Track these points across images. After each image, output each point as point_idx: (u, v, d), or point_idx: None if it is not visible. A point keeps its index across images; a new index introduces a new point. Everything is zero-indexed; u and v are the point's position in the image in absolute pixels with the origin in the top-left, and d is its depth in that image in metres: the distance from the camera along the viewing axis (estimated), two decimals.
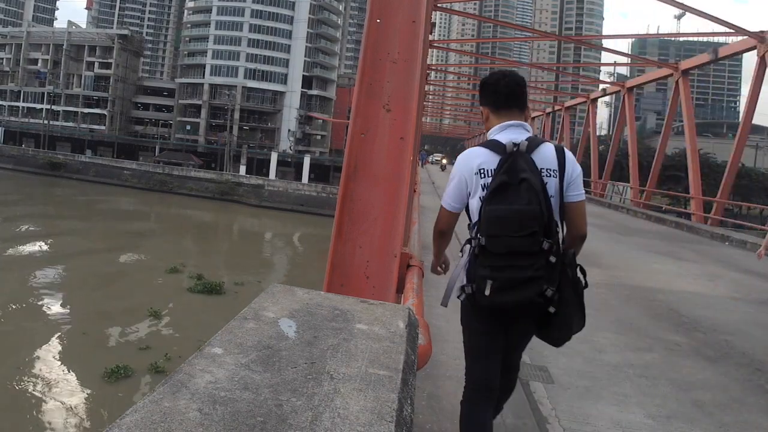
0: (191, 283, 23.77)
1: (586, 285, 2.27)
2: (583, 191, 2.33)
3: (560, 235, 2.26)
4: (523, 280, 2.09)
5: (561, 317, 2.18)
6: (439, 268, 2.68)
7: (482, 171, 2.23)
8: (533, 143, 2.23)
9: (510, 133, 2.29)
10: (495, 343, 2.33)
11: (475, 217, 2.27)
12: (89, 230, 35.58)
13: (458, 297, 2.33)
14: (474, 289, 2.20)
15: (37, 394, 14.01)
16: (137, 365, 15.30)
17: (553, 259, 2.11)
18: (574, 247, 2.31)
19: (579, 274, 2.25)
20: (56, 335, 17.58)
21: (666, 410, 3.44)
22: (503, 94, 2.38)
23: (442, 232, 2.46)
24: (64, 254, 28.65)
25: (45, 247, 30.73)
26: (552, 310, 2.15)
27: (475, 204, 2.26)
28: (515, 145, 2.21)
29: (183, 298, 22.37)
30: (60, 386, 14.47)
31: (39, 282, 23.60)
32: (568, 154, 2.30)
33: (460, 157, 2.40)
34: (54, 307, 20.54)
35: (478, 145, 2.35)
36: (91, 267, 25.98)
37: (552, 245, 2.11)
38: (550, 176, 2.21)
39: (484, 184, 2.22)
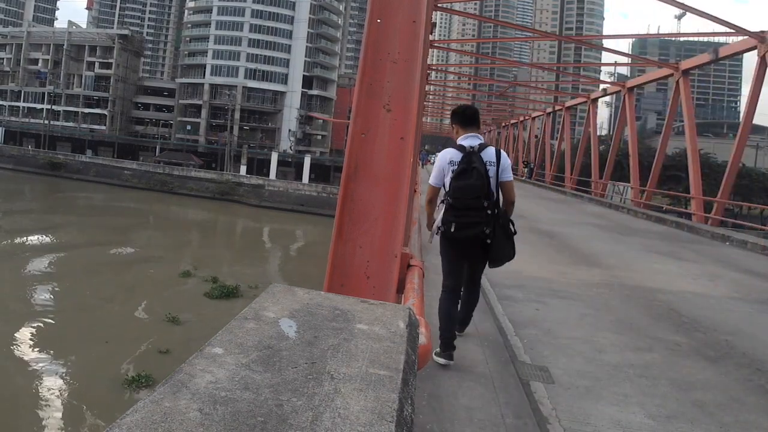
0: (207, 287, 23.41)
1: (515, 232, 3.80)
2: (511, 174, 3.85)
3: (500, 201, 3.77)
4: (472, 223, 3.64)
5: (496, 247, 3.71)
6: (431, 226, 4.02)
7: (452, 162, 3.75)
8: (482, 147, 3.78)
9: (470, 140, 3.83)
10: (459, 262, 3.94)
11: (447, 188, 3.76)
12: (94, 231, 35.48)
13: (436, 234, 3.88)
14: (445, 228, 3.73)
15: (56, 401, 13.94)
16: (157, 373, 15.05)
17: (489, 211, 3.65)
18: (508, 208, 3.84)
19: (509, 224, 3.75)
20: (76, 341, 17.30)
21: (666, 410, 3.43)
22: (468, 117, 3.96)
23: (431, 200, 3.98)
24: (67, 249, 28.65)
25: (50, 243, 30.75)
26: (489, 242, 3.68)
27: (447, 181, 3.76)
28: (472, 147, 3.75)
29: (200, 302, 21.94)
30: (79, 393, 14.38)
31: (47, 282, 23.54)
32: (503, 152, 3.85)
33: (440, 154, 3.88)
34: (69, 310, 20.23)
35: (451, 147, 3.87)
36: (101, 271, 25.59)
37: (489, 204, 3.65)
38: (492, 165, 3.72)
39: (453, 170, 3.71)
